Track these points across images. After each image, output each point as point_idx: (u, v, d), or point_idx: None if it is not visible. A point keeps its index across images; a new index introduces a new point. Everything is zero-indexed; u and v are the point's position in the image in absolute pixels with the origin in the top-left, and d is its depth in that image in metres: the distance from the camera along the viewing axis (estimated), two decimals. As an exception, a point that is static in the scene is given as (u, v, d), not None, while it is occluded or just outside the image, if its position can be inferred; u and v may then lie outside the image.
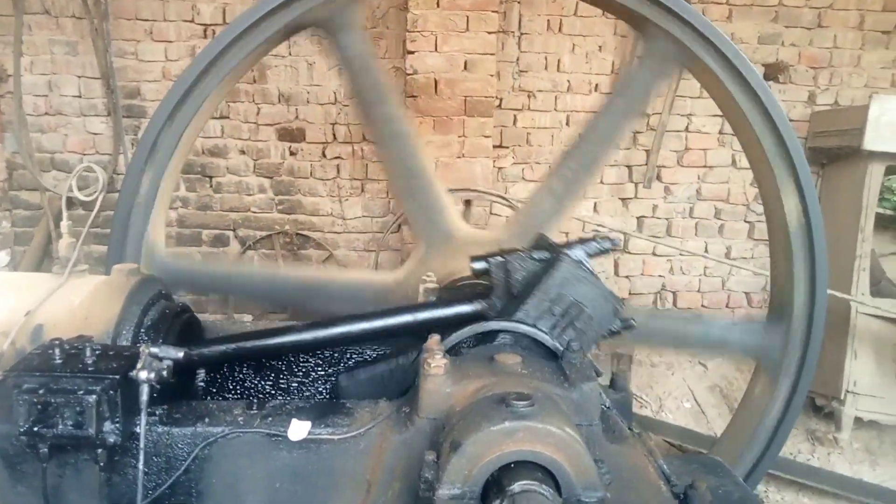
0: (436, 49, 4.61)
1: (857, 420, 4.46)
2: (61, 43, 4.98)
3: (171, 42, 5.00)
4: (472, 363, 1.70)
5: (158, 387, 1.52)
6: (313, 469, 1.55)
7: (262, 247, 5.34)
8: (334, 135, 5.24)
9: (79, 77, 5.04)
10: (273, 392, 2.13)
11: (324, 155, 5.27)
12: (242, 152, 5.20)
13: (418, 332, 1.85)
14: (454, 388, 1.55)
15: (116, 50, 4.99)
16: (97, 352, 1.54)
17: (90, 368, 1.47)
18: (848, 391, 4.41)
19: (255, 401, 1.72)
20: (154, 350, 1.52)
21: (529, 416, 1.33)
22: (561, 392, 1.59)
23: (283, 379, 2.17)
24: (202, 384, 2.04)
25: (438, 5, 4.53)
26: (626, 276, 5.46)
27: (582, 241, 1.83)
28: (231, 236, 5.36)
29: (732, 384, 4.86)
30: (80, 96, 5.06)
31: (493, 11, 4.58)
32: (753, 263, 5.28)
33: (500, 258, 1.83)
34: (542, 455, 1.30)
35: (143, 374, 1.47)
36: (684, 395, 4.79)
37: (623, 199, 5.39)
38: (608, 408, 1.94)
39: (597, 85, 5.19)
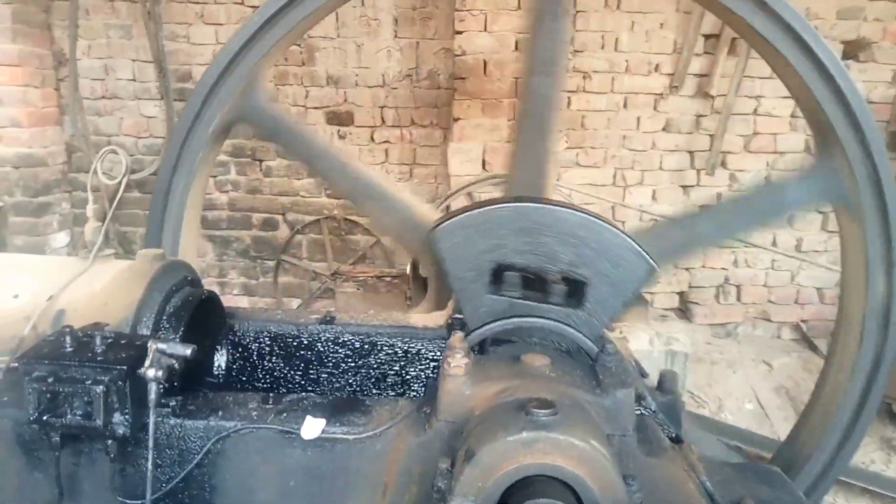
0: (485, 29, 4.44)
1: (939, 429, 4.12)
2: (116, 27, 5.07)
3: (221, 25, 5.01)
4: (496, 363, 1.61)
5: (166, 385, 1.48)
6: (328, 468, 1.49)
7: (311, 231, 5.34)
8: (383, 118, 5.18)
9: (133, 61, 5.12)
10: (302, 382, 2.09)
11: (372, 139, 5.22)
12: (292, 136, 5.19)
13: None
14: (474, 390, 1.48)
15: (168, 33, 5.05)
16: (108, 340, 1.51)
17: (99, 358, 1.42)
18: (928, 397, 4.07)
19: (272, 394, 1.67)
20: (162, 346, 1.47)
21: (550, 426, 1.23)
22: (591, 398, 1.49)
23: (312, 369, 2.13)
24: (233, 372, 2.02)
25: (489, -18, 4.38)
26: (686, 269, 5.18)
27: None
28: (280, 220, 5.38)
29: (800, 385, 4.55)
30: (134, 80, 5.15)
31: (546, -12, 4.36)
32: (826, 257, 4.92)
33: None
34: (562, 469, 1.20)
35: (150, 373, 1.43)
36: (746, 395, 4.52)
37: (684, 187, 5.10)
38: (654, 412, 1.80)
39: (657, 65, 4.90)
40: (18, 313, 1.78)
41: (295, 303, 5.33)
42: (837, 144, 2.08)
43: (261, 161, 5.30)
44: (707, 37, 4.84)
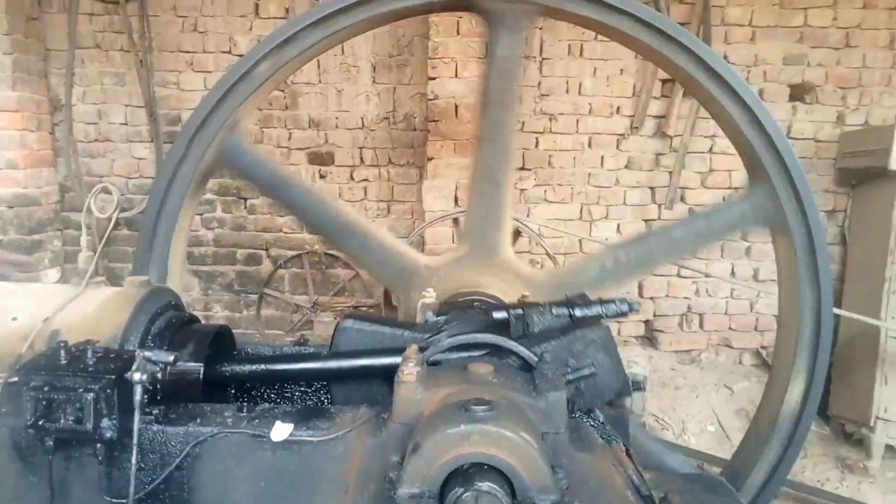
0: (456, 75, 4.74)
1: (889, 448, 4.30)
2: (110, 74, 5.33)
3: (210, 72, 5.29)
4: (445, 372, 1.75)
5: (151, 388, 1.63)
6: (295, 469, 1.61)
7: (293, 265, 5.54)
8: (362, 158, 5.43)
9: (125, 106, 5.37)
10: (277, 400, 2.22)
11: (352, 177, 5.47)
12: (275, 175, 5.42)
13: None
14: (425, 395, 1.59)
15: (160, 80, 5.31)
16: (98, 354, 1.64)
17: (90, 368, 1.55)
18: (878, 418, 4.27)
19: (247, 404, 1.83)
20: (148, 354, 1.62)
21: (486, 420, 1.37)
22: (528, 400, 1.60)
23: (287, 387, 2.27)
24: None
25: (458, 33, 4.68)
26: (651, 298, 5.41)
27: (602, 301, 1.88)
28: (264, 255, 5.58)
29: (760, 409, 4.73)
30: (126, 124, 5.39)
31: (512, 38, 4.67)
32: (782, 286, 5.16)
33: (520, 310, 1.89)
34: (496, 458, 1.34)
35: (136, 376, 1.56)
36: (708, 418, 4.71)
37: (646, 221, 5.37)
38: (602, 423, 1.97)
39: (618, 108, 5.23)
40: (16, 334, 1.94)
41: (277, 334, 5.49)
42: (764, 173, 2.32)
43: (245, 199, 5.53)
44: (664, 81, 5.17)
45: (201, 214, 5.47)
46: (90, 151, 5.43)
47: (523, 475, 1.39)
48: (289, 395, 2.29)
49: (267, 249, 5.57)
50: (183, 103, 5.37)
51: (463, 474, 1.35)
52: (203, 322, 2.19)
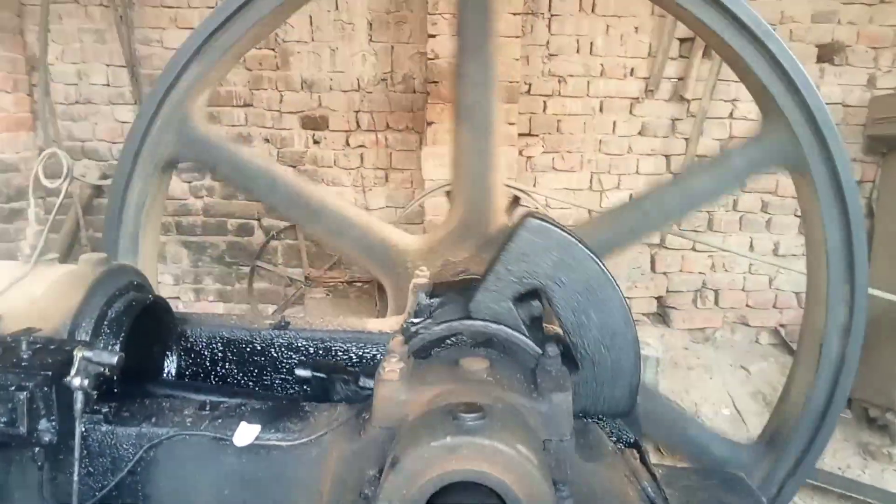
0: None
1: (915, 434, 4.11)
2: (90, 31, 5.04)
3: (195, 29, 4.99)
4: (434, 367, 1.58)
5: (94, 393, 1.45)
6: (263, 476, 1.47)
7: (286, 236, 5.32)
8: (358, 123, 5.16)
9: (107, 65, 5.10)
10: (256, 388, 2.06)
11: (347, 143, 5.20)
12: (266, 140, 5.18)
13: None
14: (409, 396, 1.44)
15: (142, 38, 5.03)
16: (36, 346, 1.48)
17: (24, 364, 1.40)
18: (903, 402, 4.07)
19: (210, 400, 1.64)
20: (88, 354, 1.44)
21: (476, 432, 1.20)
22: (528, 403, 1.45)
23: (266, 375, 2.11)
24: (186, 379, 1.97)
25: (460, -14, 4.36)
26: (664, 273, 5.18)
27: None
28: (255, 225, 5.36)
29: (777, 390, 4.53)
30: (108, 85, 5.13)
31: (518, -8, 4.39)
32: (804, 261, 4.92)
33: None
34: (487, 476, 1.17)
35: (76, 381, 1.40)
36: (723, 400, 4.51)
37: (661, 191, 5.10)
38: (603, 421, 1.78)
39: (632, 69, 4.92)
40: (-49, 320, 1.75)
41: (270, 309, 5.30)
42: (778, 110, 2.06)
43: (236, 166, 5.28)
44: (682, 41, 4.87)
45: (189, 182, 5.24)
46: (71, 114, 5.17)
47: (519, 496, 1.18)
48: (268, 382, 2.13)
49: (259, 219, 5.35)
50: (167, 62, 5.07)
51: (450, 494, 1.19)
52: (172, 304, 2.01)
